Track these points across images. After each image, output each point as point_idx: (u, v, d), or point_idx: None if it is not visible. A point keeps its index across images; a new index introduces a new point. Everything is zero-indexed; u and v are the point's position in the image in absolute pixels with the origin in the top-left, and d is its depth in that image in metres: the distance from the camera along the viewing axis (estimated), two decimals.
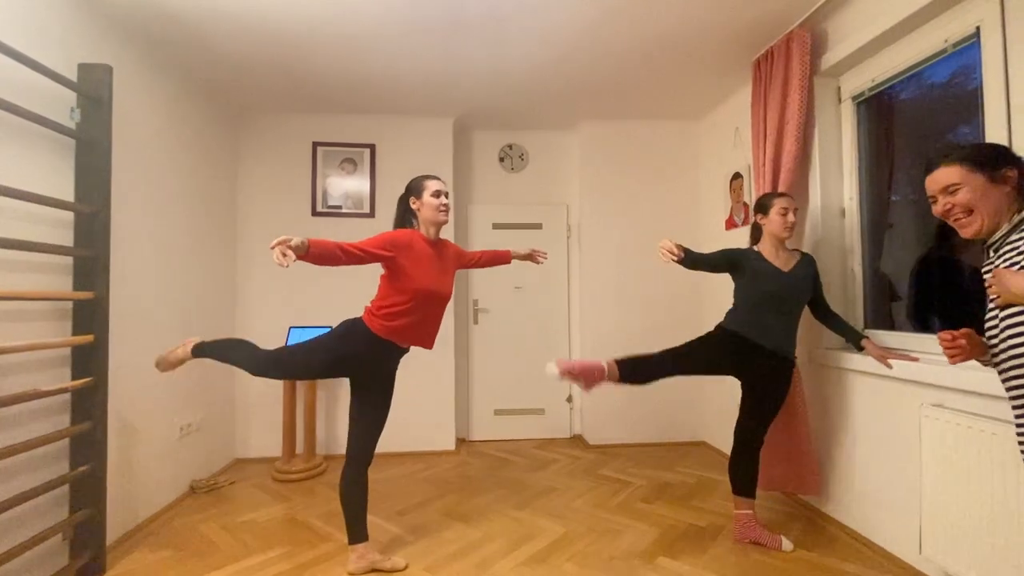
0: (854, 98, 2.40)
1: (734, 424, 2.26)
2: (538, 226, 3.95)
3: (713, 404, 3.57)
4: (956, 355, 1.19)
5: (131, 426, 2.38)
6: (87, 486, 1.97)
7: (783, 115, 2.50)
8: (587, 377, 2.06)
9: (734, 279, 2.26)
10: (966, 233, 1.19)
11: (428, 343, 2.03)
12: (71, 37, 2.04)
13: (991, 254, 1.19)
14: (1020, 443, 1.11)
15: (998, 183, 1.14)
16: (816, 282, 2.21)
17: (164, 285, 2.66)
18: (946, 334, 1.20)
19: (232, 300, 3.44)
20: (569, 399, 3.93)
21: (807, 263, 2.21)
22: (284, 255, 1.46)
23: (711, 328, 2.28)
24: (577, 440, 3.84)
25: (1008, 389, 1.12)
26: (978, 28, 1.80)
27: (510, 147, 3.98)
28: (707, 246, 3.64)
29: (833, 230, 2.46)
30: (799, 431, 2.36)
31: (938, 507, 1.75)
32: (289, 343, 3.25)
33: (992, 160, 1.16)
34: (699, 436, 3.72)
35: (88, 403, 1.98)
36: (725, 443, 3.33)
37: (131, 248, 2.39)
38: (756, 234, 2.28)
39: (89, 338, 1.96)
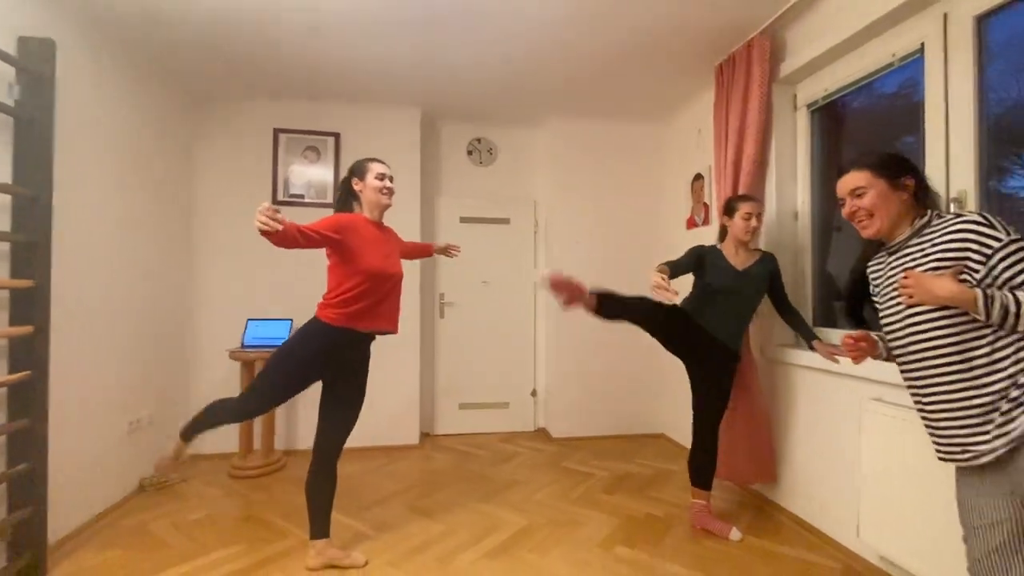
0: (809, 106, 2.51)
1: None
2: (506, 221, 3.96)
3: (672, 398, 3.68)
4: (857, 356, 1.34)
5: (75, 422, 2.27)
6: (26, 485, 1.87)
7: (744, 119, 2.58)
8: (570, 293, 2.11)
9: (695, 274, 2.34)
10: (866, 233, 1.29)
11: (391, 324, 2.00)
12: (11, 9, 1.91)
13: (888, 256, 1.29)
14: (926, 426, 1.21)
15: (898, 190, 1.25)
16: (775, 279, 2.31)
17: (112, 274, 2.53)
18: (849, 338, 1.34)
19: (188, 292, 3.31)
20: (533, 392, 3.98)
21: (766, 261, 2.30)
22: (269, 221, 1.47)
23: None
24: (541, 433, 3.88)
25: (907, 380, 1.24)
26: (922, 44, 1.91)
27: (479, 140, 3.96)
28: (669, 244, 3.74)
29: (787, 232, 2.57)
30: (756, 424, 2.46)
31: (875, 495, 1.87)
32: (246, 336, 3.17)
33: (894, 168, 1.26)
34: (658, 429, 3.84)
35: (27, 398, 1.87)
36: (683, 435, 3.45)
37: (76, 234, 2.27)
38: (723, 233, 2.37)
39: (28, 329, 1.86)
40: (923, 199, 1.26)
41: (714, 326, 2.24)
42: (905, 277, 1.16)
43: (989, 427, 1.10)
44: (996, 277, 1.09)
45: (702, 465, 2.30)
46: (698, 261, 2.29)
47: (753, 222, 2.24)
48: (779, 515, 2.45)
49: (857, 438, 2.02)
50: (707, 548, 2.16)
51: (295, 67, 2.95)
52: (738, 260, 2.27)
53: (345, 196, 2.03)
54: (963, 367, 1.13)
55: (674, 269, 2.15)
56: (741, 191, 2.55)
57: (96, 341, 2.39)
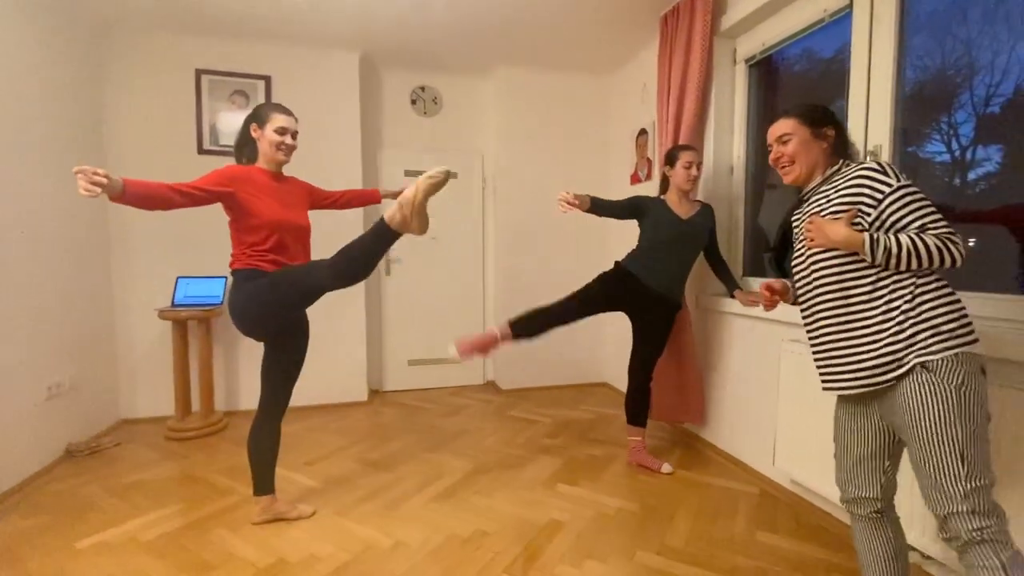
0: (747, 60, 2.56)
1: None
2: (453, 175, 3.85)
3: (613, 348, 3.84)
4: (768, 304, 1.46)
5: None
6: None
7: (685, 73, 2.61)
8: (483, 348, 2.25)
9: (639, 224, 2.42)
10: (787, 179, 1.38)
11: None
12: None
13: (803, 204, 1.38)
14: (815, 362, 1.33)
15: (819, 139, 1.33)
16: (712, 232, 2.41)
17: (19, 227, 2.29)
18: (765, 288, 1.45)
19: (108, 249, 3.06)
20: None
21: (706, 213, 2.40)
22: (90, 187, 1.30)
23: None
24: (490, 386, 3.97)
25: (806, 318, 1.34)
26: (851, 1, 1.97)
27: (423, 89, 3.80)
28: (614, 197, 3.79)
29: (722, 185, 2.67)
30: (688, 367, 2.63)
31: (788, 427, 2.06)
32: (176, 295, 3.00)
33: (818, 118, 1.34)
34: (602, 378, 4.01)
35: None
36: (623, 383, 3.60)
37: None
38: (664, 185, 2.43)
39: None
40: (842, 150, 1.34)
41: (659, 279, 2.33)
42: (810, 222, 1.25)
43: (865, 360, 1.21)
44: (884, 220, 1.18)
45: (637, 405, 2.45)
46: (636, 210, 2.36)
47: (694, 171, 2.31)
48: (707, 450, 2.66)
49: (776, 377, 2.20)
50: (642, 482, 2.32)
51: None
52: (681, 210, 2.35)
53: (243, 141, 1.88)
54: (843, 304, 1.23)
55: (600, 205, 2.27)
56: (682, 143, 2.61)
57: (3, 303, 2.19)
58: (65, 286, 2.65)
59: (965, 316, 1.15)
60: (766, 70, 2.54)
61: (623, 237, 3.64)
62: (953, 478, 1.09)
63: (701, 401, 2.66)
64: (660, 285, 2.33)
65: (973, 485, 1.07)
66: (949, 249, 1.12)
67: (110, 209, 3.08)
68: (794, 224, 1.42)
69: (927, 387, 1.12)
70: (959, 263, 1.13)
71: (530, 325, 2.30)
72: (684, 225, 2.33)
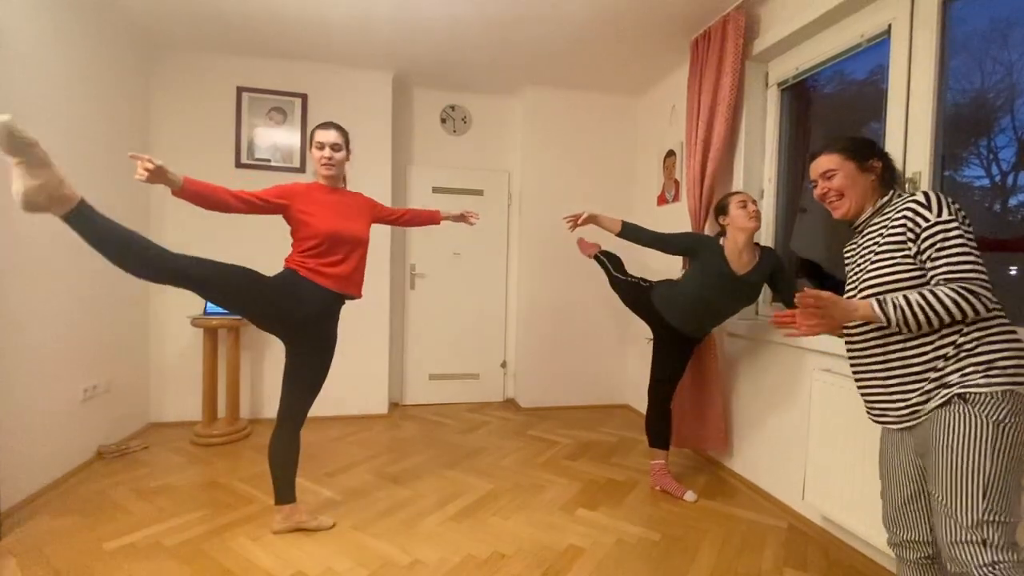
0: (780, 84, 2.54)
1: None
2: (479, 192, 3.92)
3: (635, 369, 3.78)
4: (808, 332, 1.32)
5: (25, 386, 2.18)
6: None
7: (716, 96, 2.60)
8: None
9: (690, 263, 2.30)
10: (837, 214, 1.35)
11: (353, 288, 1.99)
12: None
13: (856, 236, 1.35)
14: (861, 393, 1.29)
15: (866, 172, 1.30)
16: (776, 274, 2.20)
17: (64, 235, 2.40)
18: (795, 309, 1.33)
19: None
20: (503, 364, 4.02)
21: (766, 262, 2.17)
22: (146, 171, 1.44)
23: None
24: (509, 403, 3.95)
25: (854, 349, 1.29)
26: (890, 26, 1.94)
27: (452, 108, 3.87)
28: (640, 220, 3.78)
29: None
30: (711, 394, 2.57)
31: (820, 461, 1.99)
32: (208, 303, 3.07)
33: (863, 151, 1.31)
34: (623, 399, 3.95)
35: None
36: (644, 405, 3.55)
37: None
38: (721, 235, 2.25)
39: None
40: (889, 181, 1.31)
41: (690, 326, 2.26)
42: (812, 313, 1.17)
43: (912, 393, 1.17)
44: (922, 252, 1.15)
45: (658, 427, 2.40)
46: (687, 251, 2.26)
47: (751, 207, 2.12)
48: (732, 480, 2.58)
49: (806, 407, 2.13)
50: (664, 510, 2.26)
51: (262, 20, 2.80)
52: (739, 263, 2.14)
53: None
54: (894, 337, 1.20)
55: (638, 233, 2.25)
56: (710, 168, 2.58)
57: (47, 306, 2.29)
58: (105, 292, 2.75)
59: (1023, 354, 1.10)
60: (798, 93, 2.51)
61: (650, 256, 3.61)
62: (968, 508, 1.03)
63: (724, 428, 2.59)
64: (690, 329, 2.28)
65: (991, 518, 1.01)
66: (967, 302, 1.07)
67: (151, 219, 3.20)
68: (846, 258, 1.38)
69: (961, 417, 1.07)
70: (974, 315, 1.08)
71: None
72: (736, 283, 2.12)
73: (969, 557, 1.02)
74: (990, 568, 1.00)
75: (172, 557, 1.82)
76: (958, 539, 1.03)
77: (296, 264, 1.89)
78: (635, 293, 2.40)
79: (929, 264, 1.13)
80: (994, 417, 1.05)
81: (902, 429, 1.22)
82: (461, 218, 2.44)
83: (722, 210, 2.21)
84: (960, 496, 1.05)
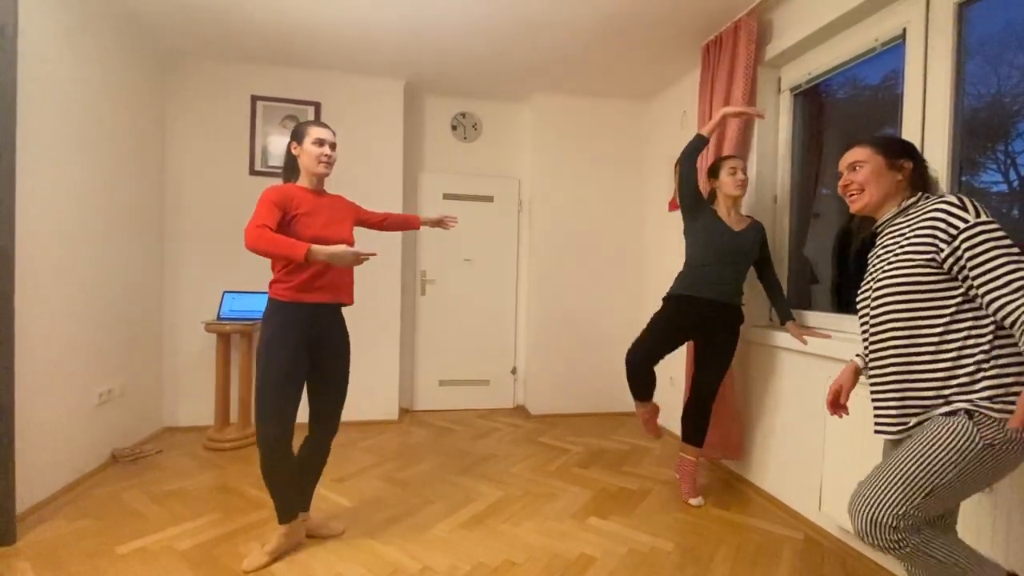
0: (792, 89, 2.52)
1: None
2: (489, 199, 3.93)
3: None
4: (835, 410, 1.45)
5: (41, 390, 2.21)
6: None
7: (727, 101, 2.59)
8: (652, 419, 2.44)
9: (687, 232, 2.36)
10: (854, 207, 1.32)
11: (343, 295, 1.90)
12: None
13: (876, 237, 1.32)
14: (874, 404, 1.27)
15: (893, 170, 1.27)
16: (763, 247, 2.34)
17: (81, 241, 2.45)
18: (832, 401, 1.44)
19: (161, 262, 3.22)
20: (514, 371, 4.01)
21: (757, 228, 2.33)
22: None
23: (653, 305, 2.39)
24: (520, 410, 3.93)
25: (871, 360, 1.27)
26: (904, 30, 1.93)
27: (463, 115, 3.90)
28: (651, 225, 3.77)
29: (765, 215, 2.61)
30: (728, 402, 2.53)
31: (837, 471, 1.95)
32: (222, 308, 3.11)
33: (895, 148, 1.29)
34: (634, 408, 3.90)
35: None
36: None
37: (43, 198, 2.18)
38: (712, 197, 2.38)
39: None
40: (919, 184, 1.27)
41: (715, 290, 2.26)
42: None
43: (931, 408, 1.15)
44: (960, 258, 1.11)
45: (696, 421, 2.37)
46: (697, 201, 2.31)
47: (740, 175, 2.25)
48: (747, 489, 2.54)
49: (823, 416, 2.09)
50: (676, 519, 2.23)
51: (274, 29, 2.85)
52: (732, 221, 2.29)
53: (288, 163, 1.91)
54: (911, 348, 1.18)
55: (690, 163, 2.29)
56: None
57: (62, 311, 2.32)
58: (121, 298, 2.79)
59: None
60: (811, 98, 2.49)
61: (661, 262, 3.60)
62: (905, 498, 1.09)
63: (740, 436, 2.55)
64: (718, 293, 2.26)
65: (916, 513, 1.09)
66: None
67: (166, 225, 3.25)
68: (868, 259, 1.36)
69: (959, 428, 1.08)
70: None
71: (636, 387, 2.34)
72: (735, 237, 2.25)
73: (881, 532, 1.12)
74: (896, 544, 1.10)
75: (184, 560, 1.83)
76: (877, 517, 1.12)
77: (282, 290, 1.78)
78: (664, 315, 2.36)
79: (969, 265, 1.09)
80: (988, 439, 1.06)
81: (901, 439, 1.21)
82: (439, 223, 2.35)
83: (714, 173, 2.33)
84: (907, 484, 1.10)
